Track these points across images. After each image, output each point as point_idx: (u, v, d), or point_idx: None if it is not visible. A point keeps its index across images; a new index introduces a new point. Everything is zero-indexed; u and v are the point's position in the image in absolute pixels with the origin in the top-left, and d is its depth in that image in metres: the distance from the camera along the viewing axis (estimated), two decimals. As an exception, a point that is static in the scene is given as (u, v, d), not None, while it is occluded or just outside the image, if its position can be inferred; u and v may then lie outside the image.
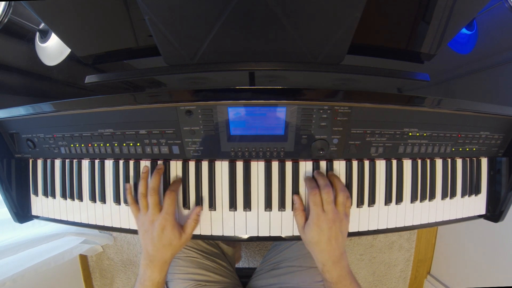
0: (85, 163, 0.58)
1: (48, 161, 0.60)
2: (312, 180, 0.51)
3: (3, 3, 0.54)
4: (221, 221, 0.53)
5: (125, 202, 0.55)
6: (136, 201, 0.51)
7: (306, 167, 0.53)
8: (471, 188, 0.60)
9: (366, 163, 0.54)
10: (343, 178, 0.53)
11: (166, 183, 0.54)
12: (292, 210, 0.52)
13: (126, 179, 0.55)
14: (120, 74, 0.45)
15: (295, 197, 0.51)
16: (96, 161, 0.57)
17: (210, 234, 0.54)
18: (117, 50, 0.48)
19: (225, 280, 0.64)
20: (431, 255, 1.28)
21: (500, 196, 0.59)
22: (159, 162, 0.54)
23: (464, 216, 0.60)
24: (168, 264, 0.49)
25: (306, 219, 0.49)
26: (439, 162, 0.57)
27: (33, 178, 0.62)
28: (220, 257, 0.68)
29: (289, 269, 0.62)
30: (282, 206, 0.53)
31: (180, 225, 0.50)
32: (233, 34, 0.40)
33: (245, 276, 0.73)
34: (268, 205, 0.53)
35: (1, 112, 0.51)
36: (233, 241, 0.96)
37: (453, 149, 0.56)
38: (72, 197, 0.59)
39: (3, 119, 0.54)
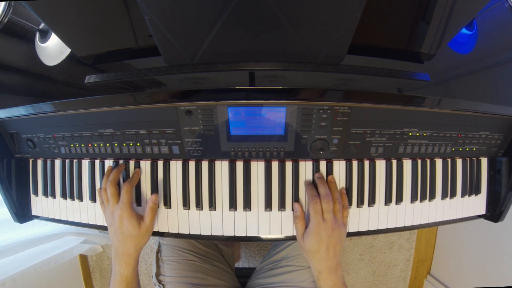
0: (85, 163, 0.58)
1: (48, 161, 0.60)
2: (313, 187, 0.51)
3: (3, 3, 0.54)
4: (221, 221, 0.53)
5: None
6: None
7: (306, 167, 0.53)
8: (471, 188, 0.60)
9: (366, 163, 0.54)
10: (343, 178, 0.53)
11: (167, 183, 0.54)
12: (292, 212, 0.52)
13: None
14: (120, 74, 0.45)
15: (296, 205, 0.51)
16: (96, 161, 0.57)
17: (210, 234, 0.54)
18: (117, 50, 0.48)
19: (223, 283, 0.64)
20: (431, 255, 1.28)
21: (500, 196, 0.59)
22: (120, 161, 0.55)
23: (464, 216, 0.60)
24: (133, 257, 0.50)
25: (305, 228, 0.49)
26: (439, 162, 0.57)
27: (33, 178, 0.62)
28: (218, 259, 0.68)
29: (288, 268, 0.62)
30: (282, 206, 0.53)
31: (140, 215, 0.51)
32: (233, 34, 0.40)
33: (245, 276, 0.73)
34: (268, 205, 0.53)
35: (1, 112, 0.51)
36: (232, 241, 0.96)
37: (453, 149, 0.56)
38: (72, 197, 0.59)
39: (3, 119, 0.54)
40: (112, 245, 0.50)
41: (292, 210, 0.53)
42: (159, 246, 0.65)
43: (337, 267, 0.47)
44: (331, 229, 0.46)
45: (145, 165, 0.54)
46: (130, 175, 0.54)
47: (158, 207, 0.53)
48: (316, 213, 0.47)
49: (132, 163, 0.55)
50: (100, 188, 0.56)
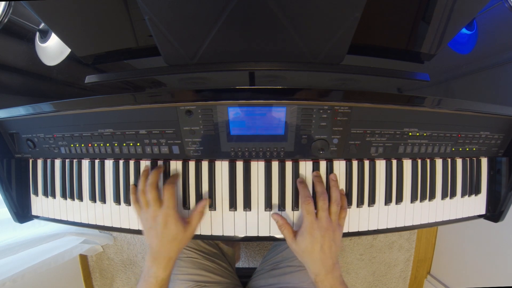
0: (85, 163, 0.58)
1: (48, 161, 0.60)
2: (306, 187, 0.51)
3: (3, 3, 0.54)
4: (221, 221, 0.53)
5: (125, 202, 0.55)
6: (138, 200, 0.51)
7: (306, 167, 0.53)
8: (471, 188, 0.60)
9: (366, 163, 0.54)
10: (343, 178, 0.53)
11: (166, 183, 0.53)
12: (278, 226, 0.51)
13: (126, 179, 0.55)
14: (120, 74, 0.45)
15: (274, 215, 0.51)
16: (96, 161, 0.57)
17: (210, 234, 0.54)
18: (117, 50, 0.48)
19: (225, 280, 0.64)
20: (431, 255, 1.28)
21: (500, 196, 0.59)
22: (159, 162, 0.54)
23: (464, 216, 0.60)
24: (173, 261, 0.49)
25: (293, 231, 0.49)
26: (439, 162, 0.57)
27: (33, 178, 0.62)
28: (219, 258, 0.68)
29: (289, 269, 0.62)
30: (282, 206, 0.53)
31: (184, 218, 0.50)
32: (233, 34, 0.40)
33: (245, 276, 0.73)
34: (268, 205, 0.53)
35: (1, 112, 0.51)
36: (232, 241, 0.96)
37: (453, 149, 0.56)
38: (72, 197, 0.59)
39: (3, 119, 0.54)
40: (149, 248, 0.48)
41: (294, 209, 0.52)
42: None
43: (334, 268, 0.46)
44: (324, 228, 0.46)
45: (145, 165, 0.54)
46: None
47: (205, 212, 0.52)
48: (309, 213, 0.47)
49: (174, 164, 0.53)
50: (134, 185, 0.54)
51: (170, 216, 0.47)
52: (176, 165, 0.54)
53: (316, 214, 0.47)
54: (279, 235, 0.54)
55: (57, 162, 0.59)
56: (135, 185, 0.54)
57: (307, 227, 0.46)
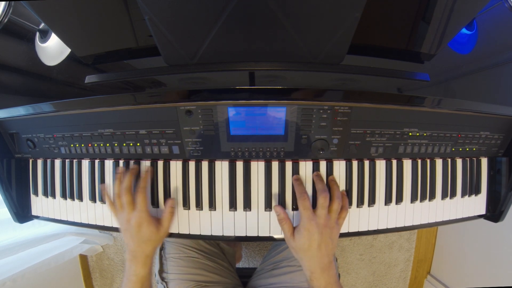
0: (85, 163, 0.58)
1: (48, 161, 0.60)
2: (301, 183, 0.51)
3: (3, 3, 0.54)
4: (221, 221, 0.53)
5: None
6: (113, 202, 0.53)
7: (306, 167, 0.53)
8: (471, 188, 0.60)
9: (366, 163, 0.54)
10: (343, 178, 0.53)
11: (167, 184, 0.54)
12: (278, 219, 0.51)
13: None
14: (120, 74, 0.45)
15: (277, 208, 0.51)
16: (96, 161, 0.57)
17: (210, 234, 0.54)
18: (117, 50, 0.48)
19: (226, 280, 0.64)
20: (431, 255, 1.28)
21: (500, 196, 0.59)
22: (131, 162, 0.54)
23: (464, 216, 0.60)
24: (150, 258, 0.50)
25: (293, 228, 0.49)
26: (439, 162, 0.57)
27: (33, 178, 0.62)
28: (220, 257, 0.68)
29: (289, 268, 0.62)
30: (282, 206, 0.53)
31: (157, 219, 0.51)
32: (233, 34, 0.40)
33: (245, 276, 0.73)
34: (268, 205, 0.53)
35: (1, 112, 0.51)
36: (233, 241, 0.96)
37: (453, 149, 0.56)
38: (72, 197, 0.59)
39: (3, 119, 0.54)
40: (127, 248, 0.50)
41: (294, 209, 0.52)
42: (162, 243, 0.65)
43: (330, 266, 0.46)
44: (322, 225, 0.45)
45: (145, 165, 0.54)
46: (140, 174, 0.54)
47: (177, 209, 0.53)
48: (305, 209, 0.46)
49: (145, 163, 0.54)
50: (102, 183, 0.55)
51: (143, 219, 0.48)
52: (176, 165, 0.54)
53: (315, 211, 0.47)
54: (278, 236, 0.54)
55: (57, 162, 0.59)
56: (104, 184, 0.55)
57: (305, 224, 0.46)
